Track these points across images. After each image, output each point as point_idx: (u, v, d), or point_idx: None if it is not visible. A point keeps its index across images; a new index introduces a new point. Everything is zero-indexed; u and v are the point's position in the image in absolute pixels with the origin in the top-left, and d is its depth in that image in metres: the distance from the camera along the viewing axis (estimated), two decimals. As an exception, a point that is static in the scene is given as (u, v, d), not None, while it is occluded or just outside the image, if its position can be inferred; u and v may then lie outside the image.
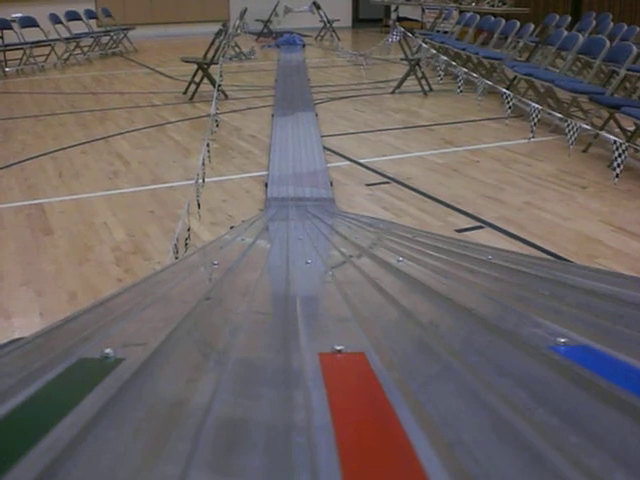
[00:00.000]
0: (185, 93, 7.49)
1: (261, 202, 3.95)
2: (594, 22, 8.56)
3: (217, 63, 6.91)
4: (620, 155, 4.00)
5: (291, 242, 2.38)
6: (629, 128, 4.99)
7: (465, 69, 6.81)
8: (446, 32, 10.23)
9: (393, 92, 7.72)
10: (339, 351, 0.82)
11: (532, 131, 4.91)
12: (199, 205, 3.47)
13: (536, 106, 4.88)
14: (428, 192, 4.20)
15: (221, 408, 0.64)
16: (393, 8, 13.98)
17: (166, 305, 1.21)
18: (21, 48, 9.61)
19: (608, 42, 6.00)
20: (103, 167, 4.85)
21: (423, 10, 13.22)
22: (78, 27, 10.88)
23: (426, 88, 7.61)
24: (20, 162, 4.99)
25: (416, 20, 13.47)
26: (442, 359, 0.83)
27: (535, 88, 6.44)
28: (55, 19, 10.38)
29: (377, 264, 1.69)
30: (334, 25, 12.99)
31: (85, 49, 10.91)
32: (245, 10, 9.99)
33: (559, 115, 5.02)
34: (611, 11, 9.80)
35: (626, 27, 7.78)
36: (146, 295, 1.30)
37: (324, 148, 5.12)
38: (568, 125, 4.54)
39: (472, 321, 1.01)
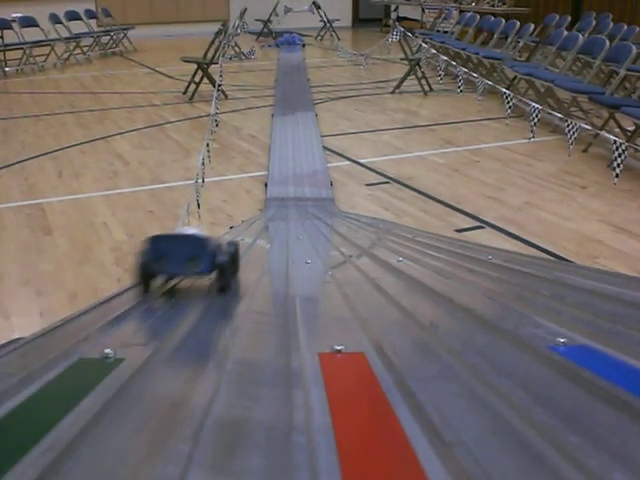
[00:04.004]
0: (185, 93, 7.48)
1: (261, 202, 3.94)
2: (594, 22, 8.56)
3: (217, 63, 6.91)
4: (620, 155, 3.99)
5: (291, 242, 2.38)
6: (629, 128, 4.99)
7: (465, 69, 6.80)
8: (446, 32, 10.23)
9: (393, 92, 7.72)
10: (339, 351, 0.82)
11: (532, 131, 4.91)
12: (199, 205, 3.47)
13: (536, 106, 4.87)
14: (428, 192, 4.20)
15: (221, 408, 0.64)
16: (393, 8, 13.98)
17: (166, 305, 1.21)
18: (21, 48, 9.60)
19: (608, 42, 6.00)
20: (103, 167, 4.84)
21: (423, 10, 13.22)
22: (78, 27, 10.87)
23: (426, 88, 7.60)
24: (20, 162, 4.99)
25: (416, 20, 13.46)
26: (442, 359, 0.83)
27: (535, 88, 6.44)
28: (55, 19, 10.37)
29: (377, 264, 1.69)
30: (334, 25, 12.98)
31: (85, 49, 10.90)
32: (245, 10, 9.99)
33: (559, 115, 5.01)
34: (611, 11, 9.79)
35: (626, 27, 7.78)
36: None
37: (324, 148, 5.12)
38: (568, 125, 4.54)
39: (472, 321, 1.01)
